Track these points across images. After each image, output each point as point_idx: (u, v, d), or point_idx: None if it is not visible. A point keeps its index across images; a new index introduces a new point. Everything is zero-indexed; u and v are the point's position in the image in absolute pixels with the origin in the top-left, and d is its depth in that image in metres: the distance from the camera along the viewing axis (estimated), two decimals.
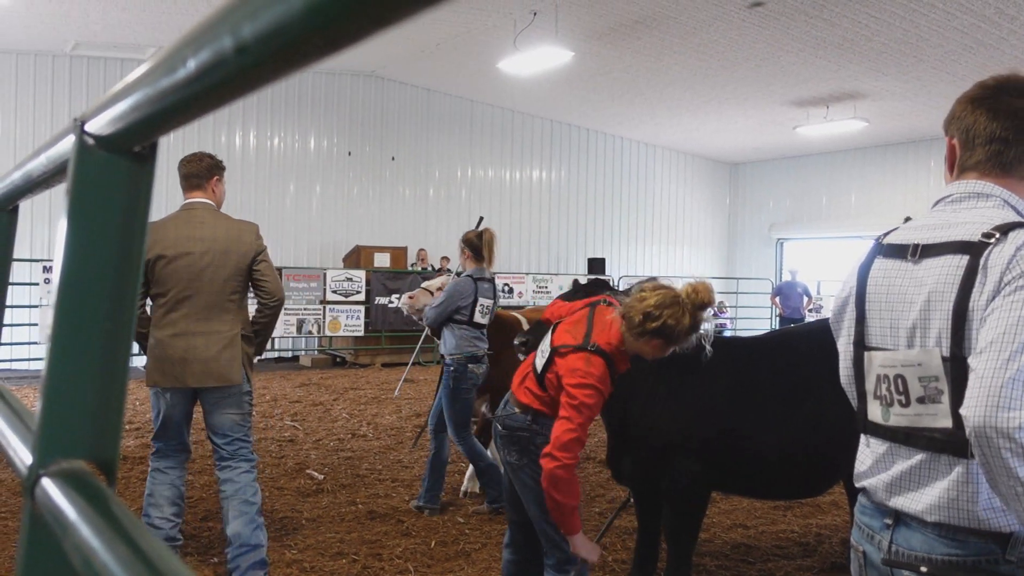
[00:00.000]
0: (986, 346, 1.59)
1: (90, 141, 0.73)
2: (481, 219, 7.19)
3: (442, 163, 17.70)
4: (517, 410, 3.22)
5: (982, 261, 1.66)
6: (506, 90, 16.32)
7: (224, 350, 4.04)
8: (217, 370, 4.03)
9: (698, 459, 3.86)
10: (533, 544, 3.41)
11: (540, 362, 3.19)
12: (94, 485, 0.67)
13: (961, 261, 1.69)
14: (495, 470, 5.41)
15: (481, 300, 5.49)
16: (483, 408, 6.03)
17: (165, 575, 0.50)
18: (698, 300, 3.01)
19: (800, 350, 4.22)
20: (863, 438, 1.93)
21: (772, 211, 21.89)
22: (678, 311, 2.97)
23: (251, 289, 4.19)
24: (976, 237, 1.69)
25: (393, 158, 17.05)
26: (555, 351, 3.10)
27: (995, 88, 1.81)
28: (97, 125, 0.72)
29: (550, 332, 3.28)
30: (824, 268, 19.32)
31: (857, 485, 1.95)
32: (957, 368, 1.67)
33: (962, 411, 1.60)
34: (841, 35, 11.84)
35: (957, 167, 1.86)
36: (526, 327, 5.97)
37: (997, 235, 1.67)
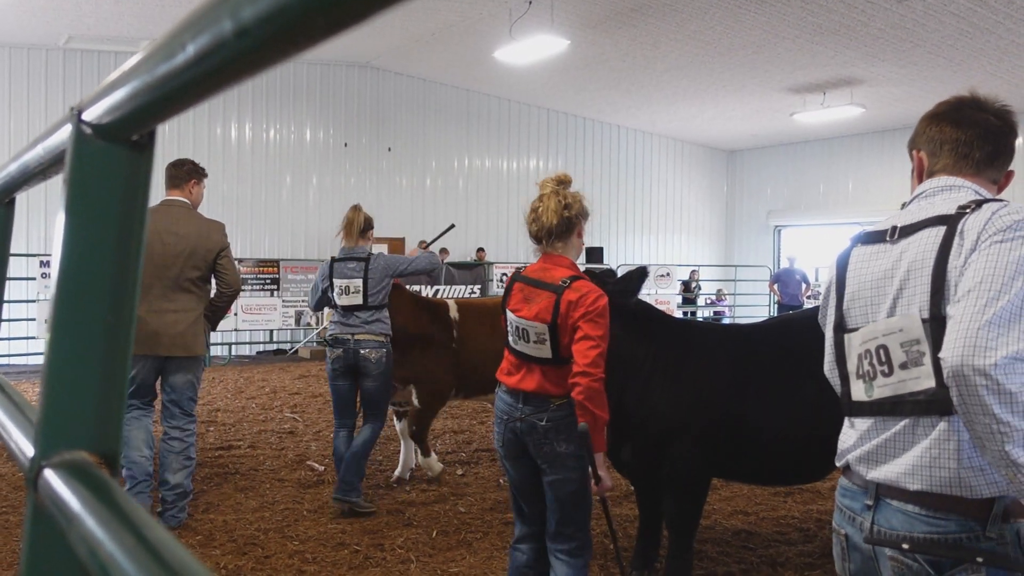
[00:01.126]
0: (964, 295, 1.66)
1: (87, 130, 0.73)
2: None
3: (439, 153, 17.67)
4: (556, 402, 3.18)
5: (959, 227, 1.75)
6: (502, 79, 16.28)
7: (190, 326, 4.89)
8: (183, 342, 4.87)
9: (698, 445, 3.86)
10: (543, 537, 3.44)
11: (540, 351, 3.18)
12: (97, 476, 0.67)
13: (939, 232, 1.78)
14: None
15: (336, 281, 5.32)
16: (413, 399, 5.85)
17: (171, 563, 0.50)
18: (559, 179, 3.37)
19: (800, 335, 4.22)
20: (847, 421, 2.00)
21: (770, 198, 21.89)
22: (565, 192, 3.32)
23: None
24: (952, 211, 1.79)
25: (390, 149, 17.01)
26: (552, 326, 3.13)
27: (956, 104, 1.98)
28: (94, 114, 0.71)
29: (513, 329, 3.28)
30: (822, 255, 19.32)
31: (838, 463, 2.00)
32: (937, 328, 1.73)
33: (940, 355, 1.66)
34: (838, 21, 11.81)
35: (926, 174, 2.00)
36: (454, 313, 6.03)
37: (973, 206, 1.77)
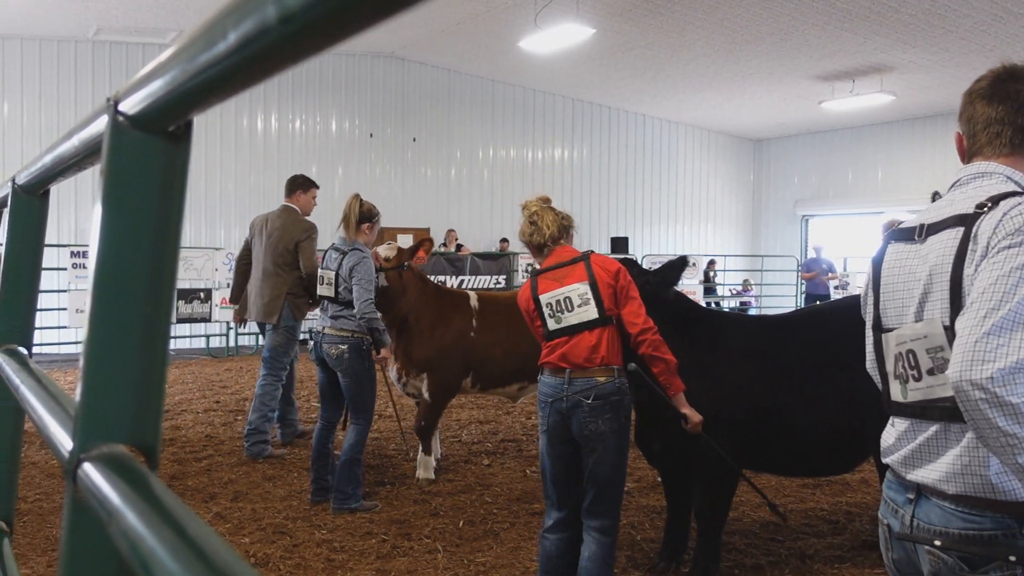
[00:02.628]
0: (967, 307, 1.65)
1: (124, 121, 0.72)
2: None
3: (464, 144, 17.65)
4: (601, 379, 3.37)
5: (974, 230, 1.72)
6: (527, 69, 16.21)
7: (271, 301, 6.34)
8: (264, 311, 6.39)
9: (728, 437, 3.84)
10: (578, 521, 3.54)
11: (586, 313, 3.40)
12: (136, 469, 0.67)
13: (957, 233, 1.76)
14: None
15: (320, 271, 5.33)
16: (424, 391, 5.78)
17: (211, 558, 0.49)
18: (544, 198, 3.74)
19: (831, 326, 4.18)
20: (891, 419, 2.00)
21: (797, 187, 21.66)
22: (556, 209, 3.70)
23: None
24: (971, 209, 1.76)
25: (415, 139, 17.02)
26: (592, 281, 3.41)
27: (990, 78, 1.91)
28: (131, 104, 0.71)
29: (552, 308, 3.47)
30: (850, 244, 19.10)
31: (883, 461, 2.01)
32: (954, 336, 1.71)
33: (946, 373, 1.65)
34: (867, 6, 11.62)
35: (967, 155, 1.96)
36: (474, 303, 6.01)
37: (989, 204, 1.73)
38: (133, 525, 0.55)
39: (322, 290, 5.23)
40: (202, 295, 12.83)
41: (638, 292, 3.47)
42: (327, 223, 15.99)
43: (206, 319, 12.93)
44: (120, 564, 0.62)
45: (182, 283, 12.75)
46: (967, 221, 1.75)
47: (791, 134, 21.37)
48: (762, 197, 22.53)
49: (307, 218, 6.61)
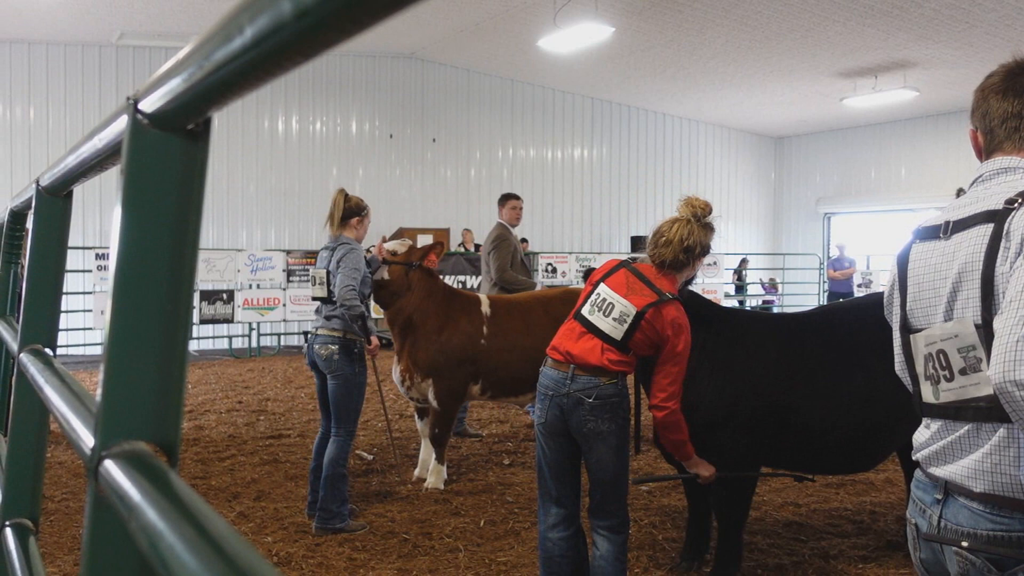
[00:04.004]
0: (1005, 306, 1.61)
1: (143, 120, 0.72)
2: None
3: (483, 144, 17.67)
4: (604, 380, 3.32)
5: (1005, 227, 1.69)
6: (546, 68, 16.20)
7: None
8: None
9: (746, 434, 3.82)
10: (579, 518, 3.53)
11: (614, 330, 3.31)
12: (157, 466, 0.67)
13: (987, 230, 1.73)
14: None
15: (312, 272, 5.17)
16: (431, 398, 5.69)
17: (231, 555, 0.49)
18: (696, 210, 3.44)
19: (849, 324, 4.15)
20: (924, 420, 1.96)
21: (819, 185, 21.50)
22: (695, 227, 3.41)
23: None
24: (1000, 205, 1.73)
25: (434, 140, 17.06)
26: (640, 314, 3.28)
27: (1003, 73, 1.89)
28: (150, 103, 0.71)
29: (597, 300, 3.39)
30: (873, 242, 18.93)
31: (913, 458, 1.98)
32: (989, 335, 1.68)
33: (987, 373, 1.63)
34: (890, 2, 11.52)
35: (984, 152, 1.93)
36: (486, 309, 5.85)
37: (1020, 200, 1.70)
38: (153, 521, 0.56)
39: (315, 291, 5.06)
40: (224, 296, 12.93)
41: (683, 364, 3.34)
42: None
43: (228, 320, 13.03)
44: (141, 561, 0.62)
45: (204, 284, 12.87)
46: (997, 217, 1.71)
47: (813, 131, 21.21)
48: (784, 195, 22.38)
49: (504, 223, 7.33)
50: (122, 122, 0.77)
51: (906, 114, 18.38)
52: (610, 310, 3.34)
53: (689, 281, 3.74)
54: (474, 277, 14.04)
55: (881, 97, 15.98)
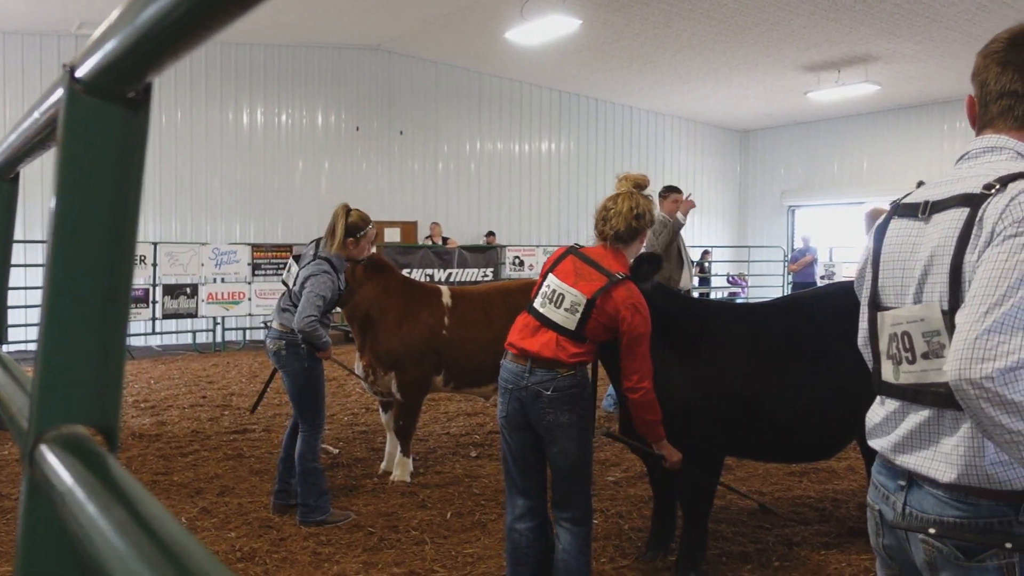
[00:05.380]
0: (968, 299, 1.58)
1: (80, 88, 0.69)
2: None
3: (450, 137, 17.59)
4: (562, 372, 3.29)
5: (979, 214, 1.64)
6: (514, 61, 16.16)
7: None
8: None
9: (715, 424, 3.83)
10: (545, 510, 3.53)
11: (567, 320, 3.28)
12: (93, 450, 0.64)
13: (962, 215, 1.68)
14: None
15: (290, 260, 5.12)
16: (394, 390, 5.62)
17: (165, 540, 0.47)
18: (636, 182, 3.52)
19: (813, 313, 4.19)
20: (878, 398, 1.93)
21: (783, 178, 21.70)
22: (639, 197, 3.47)
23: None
24: (978, 189, 1.67)
25: (401, 132, 16.95)
26: (591, 302, 3.25)
27: (1007, 41, 1.77)
28: (86, 70, 0.68)
29: (547, 292, 3.37)
30: (836, 235, 19.15)
31: (868, 443, 1.95)
32: (953, 322, 1.65)
33: (943, 368, 1.60)
34: None
35: (977, 124, 1.84)
36: (447, 300, 5.79)
37: (997, 186, 1.64)
38: (84, 505, 0.53)
39: (286, 277, 5.00)
40: (188, 290, 12.76)
41: (646, 343, 3.31)
42: (313, 219, 15.91)
43: (192, 315, 12.86)
44: (75, 546, 0.60)
45: (168, 278, 12.68)
46: (973, 202, 1.66)
47: (777, 125, 21.40)
48: (749, 188, 22.57)
49: (662, 214, 7.16)
50: (59, 92, 0.74)
51: (868, 108, 18.61)
52: (561, 301, 3.31)
53: (647, 275, 3.66)
54: (442, 271, 13.99)
55: (844, 91, 16.16)
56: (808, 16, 12.60)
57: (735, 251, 20.86)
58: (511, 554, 3.57)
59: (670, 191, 7.59)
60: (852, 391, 3.97)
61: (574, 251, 3.45)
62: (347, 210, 4.88)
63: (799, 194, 21.30)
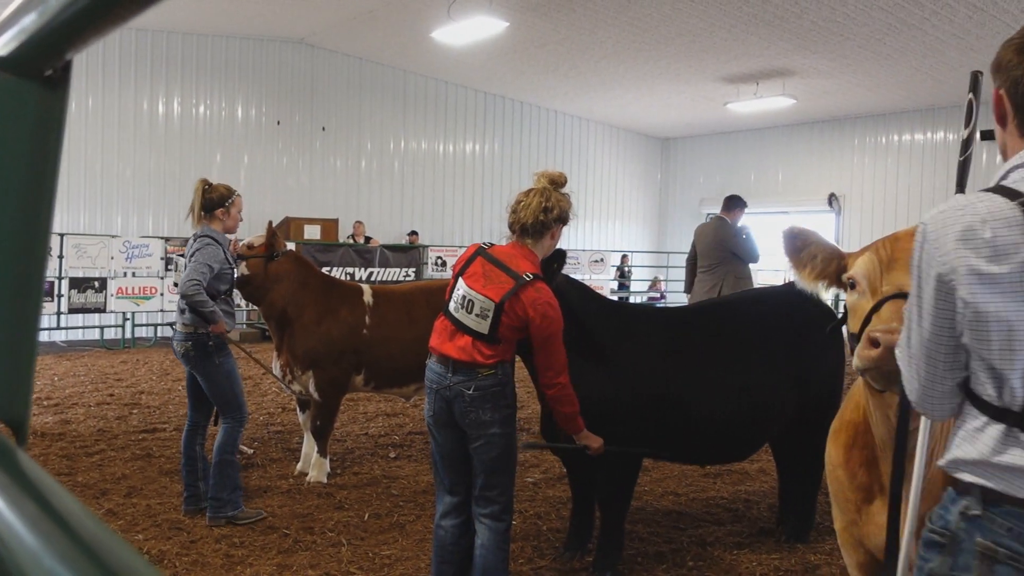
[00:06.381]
0: None
1: None
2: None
3: (374, 134, 17.42)
4: (482, 372, 3.33)
5: None
6: (440, 61, 16.10)
7: (709, 290, 7.71)
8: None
9: (633, 424, 3.89)
10: (471, 508, 3.53)
11: (479, 325, 3.31)
12: (2, 444, 0.61)
13: None
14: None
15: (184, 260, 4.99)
16: (312, 390, 5.57)
17: (81, 535, 0.45)
18: (552, 179, 3.52)
19: (729, 318, 4.30)
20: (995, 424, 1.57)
21: (702, 186, 22.17)
22: (552, 192, 3.47)
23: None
24: None
25: (324, 128, 16.70)
26: (499, 307, 3.27)
27: None
28: (2, 45, 0.64)
29: (459, 297, 3.39)
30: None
31: (991, 484, 1.55)
32: None
33: None
34: (772, 11, 11.97)
35: (1013, 127, 1.60)
36: (368, 298, 5.76)
37: None
38: None
39: (177, 278, 4.92)
40: (96, 284, 12.30)
41: (558, 341, 3.34)
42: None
43: (100, 309, 12.41)
44: None
45: (75, 271, 12.21)
46: None
47: (698, 134, 21.86)
48: (668, 195, 22.99)
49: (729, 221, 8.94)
50: None
51: (784, 120, 19.17)
52: (471, 307, 3.34)
53: (560, 265, 3.67)
54: (363, 270, 13.84)
55: (762, 103, 16.61)
56: (729, 29, 12.91)
57: (654, 256, 21.22)
58: (436, 551, 3.60)
59: (732, 205, 8.92)
60: (762, 394, 4.10)
61: (483, 252, 3.46)
62: (205, 184, 4.81)
63: (717, 202, 21.48)
